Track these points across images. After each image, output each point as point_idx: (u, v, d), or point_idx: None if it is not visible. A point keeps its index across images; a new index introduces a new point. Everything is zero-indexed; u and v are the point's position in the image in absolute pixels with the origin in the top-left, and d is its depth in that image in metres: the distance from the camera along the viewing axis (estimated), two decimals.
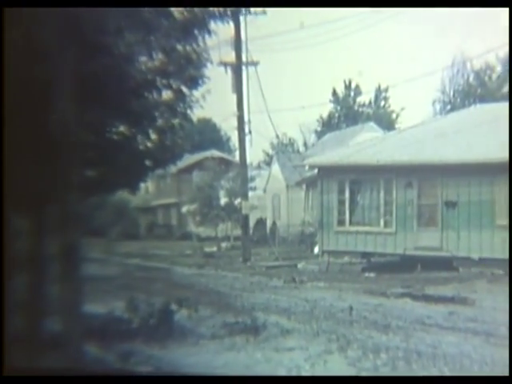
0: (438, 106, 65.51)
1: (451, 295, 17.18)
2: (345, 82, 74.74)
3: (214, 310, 14.75)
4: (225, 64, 31.88)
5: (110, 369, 9.01)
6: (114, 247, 37.97)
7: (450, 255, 24.64)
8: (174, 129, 16.87)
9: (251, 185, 38.94)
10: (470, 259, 24.00)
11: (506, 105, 31.16)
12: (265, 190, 50.94)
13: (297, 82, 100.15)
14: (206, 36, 14.67)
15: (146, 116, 15.30)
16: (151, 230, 57.61)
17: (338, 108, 75.11)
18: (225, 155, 57.42)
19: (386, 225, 26.75)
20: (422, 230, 25.85)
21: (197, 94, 16.15)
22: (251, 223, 38.20)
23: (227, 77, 32.26)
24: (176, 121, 16.58)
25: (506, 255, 23.10)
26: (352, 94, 75.40)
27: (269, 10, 30.73)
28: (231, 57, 32.14)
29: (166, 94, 15.48)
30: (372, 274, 24.22)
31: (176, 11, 13.37)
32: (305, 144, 74.85)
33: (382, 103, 75.35)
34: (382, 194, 26.90)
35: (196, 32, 14.25)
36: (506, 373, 8.20)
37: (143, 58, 13.89)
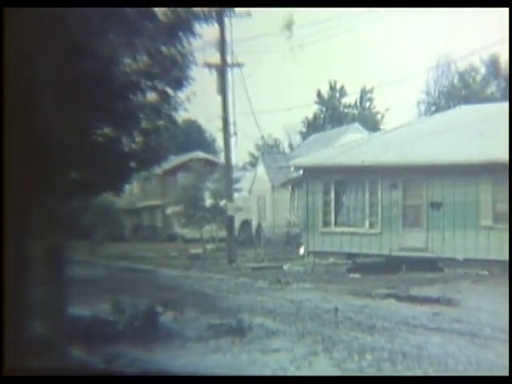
0: (422, 107, 65.82)
1: (436, 296, 17.23)
2: (330, 83, 74.93)
3: (199, 311, 14.73)
4: (210, 66, 31.86)
5: (95, 371, 8.97)
6: (98, 249, 37.86)
7: (435, 256, 24.71)
8: (158, 130, 16.88)
9: (236, 186, 38.96)
10: (455, 260, 24.08)
11: (491, 106, 31.40)
12: (250, 192, 50.90)
13: (282, 84, 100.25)
14: (191, 38, 14.68)
15: (131, 118, 15.30)
16: (136, 232, 57.47)
17: (323, 109, 75.18)
18: (210, 157, 57.35)
19: (371, 226, 26.80)
20: (407, 231, 25.92)
21: (182, 96, 16.17)
22: (236, 224, 38.17)
23: (212, 78, 32.26)
24: (161, 122, 16.59)
25: (491, 256, 23.27)
26: (337, 95, 75.51)
27: (253, 11, 30.78)
28: (216, 58, 32.14)
29: (151, 96, 15.49)
30: (357, 275, 24.24)
31: (160, 13, 13.36)
32: (290, 145, 74.96)
33: (367, 104, 75.50)
34: (367, 195, 26.95)
35: (181, 34, 14.25)
36: (491, 373, 8.25)
37: (128, 60, 13.87)
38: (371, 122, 66.33)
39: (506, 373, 7.81)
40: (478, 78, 63.87)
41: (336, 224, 27.64)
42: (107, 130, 15.58)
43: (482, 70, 63.62)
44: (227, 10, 29.04)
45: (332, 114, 73.83)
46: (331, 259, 27.30)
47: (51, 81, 6.44)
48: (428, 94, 65.81)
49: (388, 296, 17.79)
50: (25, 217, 6.48)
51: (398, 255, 25.44)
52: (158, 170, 36.82)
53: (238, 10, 29.72)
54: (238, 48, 33.85)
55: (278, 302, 16.81)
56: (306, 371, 9.47)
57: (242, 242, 40.06)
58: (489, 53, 60.09)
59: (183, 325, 13.08)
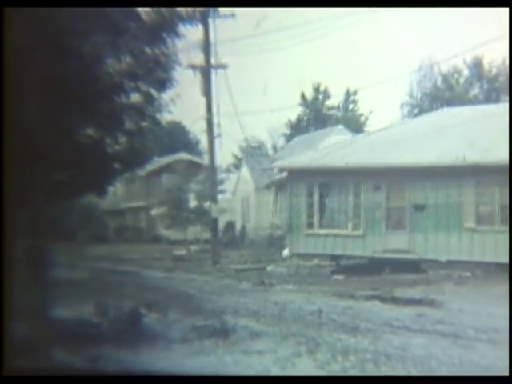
0: (405, 110, 66.08)
1: (419, 297, 17.29)
2: (313, 85, 74.96)
3: (183, 313, 14.69)
4: (193, 67, 31.79)
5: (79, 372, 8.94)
6: (82, 251, 37.68)
7: (418, 257, 24.81)
8: (142, 132, 16.83)
9: (220, 188, 38.90)
10: (438, 261, 24.18)
11: (474, 108, 31.59)
12: (234, 193, 50.91)
13: (265, 85, 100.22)
14: (175, 38, 14.66)
15: (115, 119, 15.25)
16: (120, 233, 57.20)
17: (307, 111, 75.16)
18: (194, 158, 57.26)
19: (354, 227, 26.87)
20: (390, 233, 26.00)
21: (166, 97, 16.14)
22: (220, 226, 38.15)
23: (196, 80, 32.19)
24: (145, 124, 16.54)
25: (474, 258, 23.39)
26: (321, 97, 75.52)
27: (238, 12, 30.71)
28: (200, 59, 32.06)
29: (135, 97, 15.44)
30: (341, 277, 24.26)
31: (144, 13, 13.33)
32: (274, 147, 74.90)
33: (351, 106, 75.60)
34: (350, 197, 27.02)
35: (164, 34, 14.23)
36: (474, 373, 8.28)
37: (111, 61, 13.83)
38: (355, 124, 66.38)
39: (487, 373, 7.85)
40: (461, 80, 64.17)
41: (320, 226, 27.68)
42: (90, 131, 15.52)
43: (465, 72, 63.95)
44: (211, 10, 29.05)
45: (316, 116, 73.84)
46: (315, 261, 27.31)
47: (36, 81, 6.43)
48: (411, 96, 66.07)
49: (371, 297, 17.83)
50: (9, 218, 6.45)
51: (382, 257, 25.51)
52: (141, 172, 36.74)
53: (222, 11, 29.75)
54: (222, 49, 33.86)
55: (261, 304, 16.80)
56: (289, 372, 9.48)
57: (226, 243, 40.00)
58: (472, 55, 60.49)
59: (167, 326, 13.05)
